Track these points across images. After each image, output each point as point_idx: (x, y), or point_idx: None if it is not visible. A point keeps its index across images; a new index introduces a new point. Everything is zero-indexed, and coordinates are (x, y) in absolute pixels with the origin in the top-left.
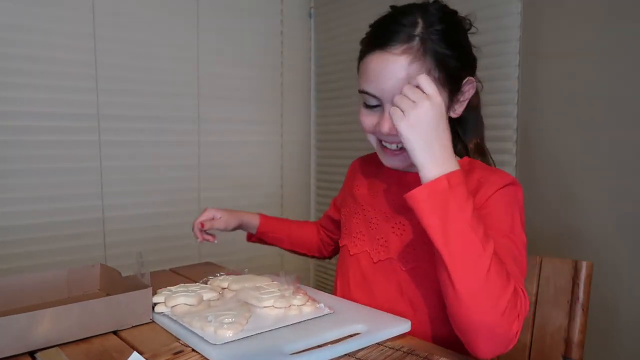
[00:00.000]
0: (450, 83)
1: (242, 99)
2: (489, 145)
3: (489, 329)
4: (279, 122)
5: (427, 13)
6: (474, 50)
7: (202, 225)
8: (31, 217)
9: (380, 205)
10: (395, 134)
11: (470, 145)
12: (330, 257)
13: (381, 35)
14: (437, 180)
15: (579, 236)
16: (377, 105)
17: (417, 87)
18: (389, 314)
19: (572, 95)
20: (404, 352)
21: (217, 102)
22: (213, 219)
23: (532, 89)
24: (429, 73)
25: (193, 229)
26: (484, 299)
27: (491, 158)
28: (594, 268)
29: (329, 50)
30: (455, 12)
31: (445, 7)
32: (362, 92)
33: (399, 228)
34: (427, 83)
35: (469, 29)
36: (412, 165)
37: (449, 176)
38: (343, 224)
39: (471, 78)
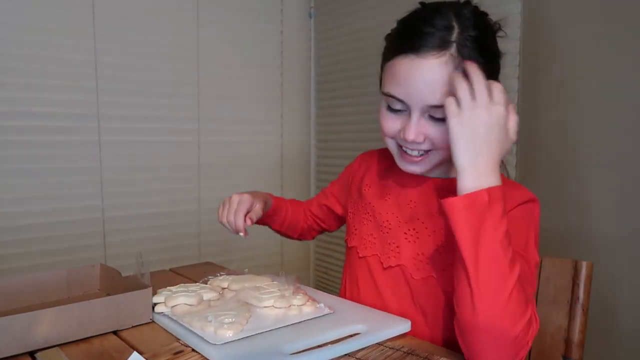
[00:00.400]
0: None
1: (242, 99)
2: None
3: (498, 351)
4: (279, 122)
5: (462, 17)
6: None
7: (252, 221)
8: (31, 217)
9: (392, 209)
10: (420, 141)
11: None
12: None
13: (414, 38)
14: (478, 193)
15: (579, 236)
16: (401, 110)
17: (489, 86)
18: (389, 314)
19: (572, 95)
20: (404, 352)
21: (217, 102)
22: (250, 209)
23: (532, 89)
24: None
25: (234, 225)
26: (500, 323)
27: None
28: (594, 268)
29: (329, 50)
30: (486, 15)
31: (476, 9)
32: (388, 95)
33: (412, 235)
34: (498, 91)
35: (497, 31)
36: (431, 171)
37: (490, 191)
38: (350, 222)
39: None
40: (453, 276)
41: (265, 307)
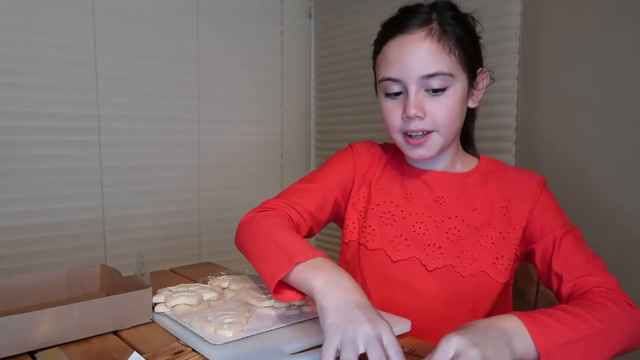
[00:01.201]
0: (468, 66)
1: (242, 99)
2: (488, 145)
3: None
4: (279, 122)
5: (437, 6)
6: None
7: None
8: (31, 217)
9: (421, 209)
10: (421, 116)
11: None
12: None
13: (398, 24)
14: (547, 353)
15: None
16: (399, 93)
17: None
18: (389, 314)
19: (571, 95)
20: (405, 352)
21: (217, 102)
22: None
23: (532, 89)
24: (450, 51)
25: None
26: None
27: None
28: None
29: (329, 50)
30: (459, 9)
31: (452, 4)
32: (383, 80)
33: (454, 234)
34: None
35: (473, 21)
36: (438, 153)
37: (541, 339)
38: (360, 221)
39: (484, 69)
40: (505, 267)
41: (265, 307)
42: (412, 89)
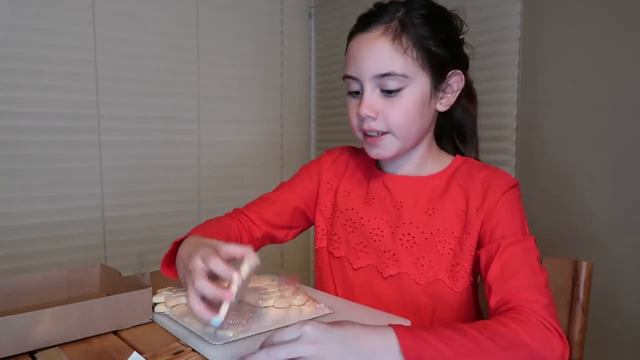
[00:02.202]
0: (433, 68)
1: (242, 99)
2: (488, 145)
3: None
4: (279, 122)
5: (411, 3)
6: (468, 50)
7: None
8: (31, 217)
9: (380, 216)
10: (373, 116)
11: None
12: None
13: (363, 20)
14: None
15: (578, 236)
16: (358, 92)
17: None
18: (389, 314)
19: (571, 95)
20: None
21: (217, 102)
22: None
23: (532, 89)
24: (405, 52)
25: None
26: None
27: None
28: (593, 268)
29: (329, 50)
30: (443, 8)
31: (430, 2)
32: (344, 77)
33: (407, 240)
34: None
35: (460, 28)
36: (398, 155)
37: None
38: (328, 229)
39: (458, 71)
40: (461, 275)
41: (265, 307)
42: (367, 88)
